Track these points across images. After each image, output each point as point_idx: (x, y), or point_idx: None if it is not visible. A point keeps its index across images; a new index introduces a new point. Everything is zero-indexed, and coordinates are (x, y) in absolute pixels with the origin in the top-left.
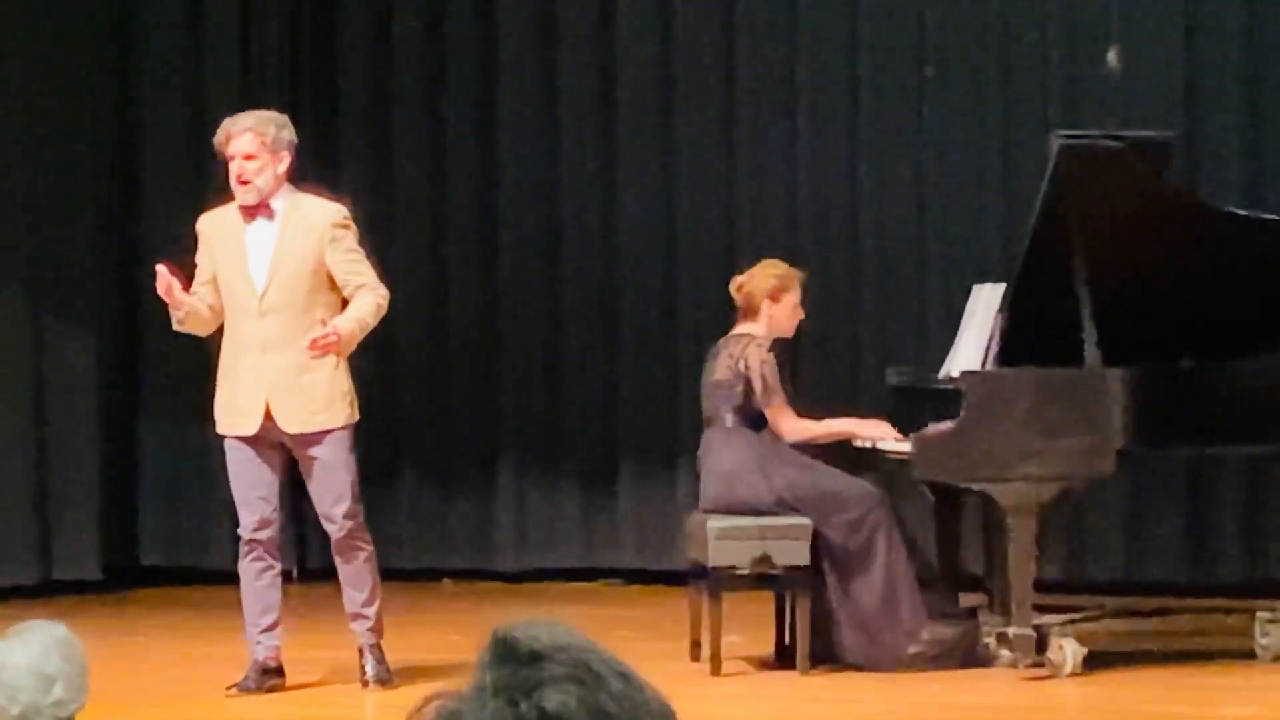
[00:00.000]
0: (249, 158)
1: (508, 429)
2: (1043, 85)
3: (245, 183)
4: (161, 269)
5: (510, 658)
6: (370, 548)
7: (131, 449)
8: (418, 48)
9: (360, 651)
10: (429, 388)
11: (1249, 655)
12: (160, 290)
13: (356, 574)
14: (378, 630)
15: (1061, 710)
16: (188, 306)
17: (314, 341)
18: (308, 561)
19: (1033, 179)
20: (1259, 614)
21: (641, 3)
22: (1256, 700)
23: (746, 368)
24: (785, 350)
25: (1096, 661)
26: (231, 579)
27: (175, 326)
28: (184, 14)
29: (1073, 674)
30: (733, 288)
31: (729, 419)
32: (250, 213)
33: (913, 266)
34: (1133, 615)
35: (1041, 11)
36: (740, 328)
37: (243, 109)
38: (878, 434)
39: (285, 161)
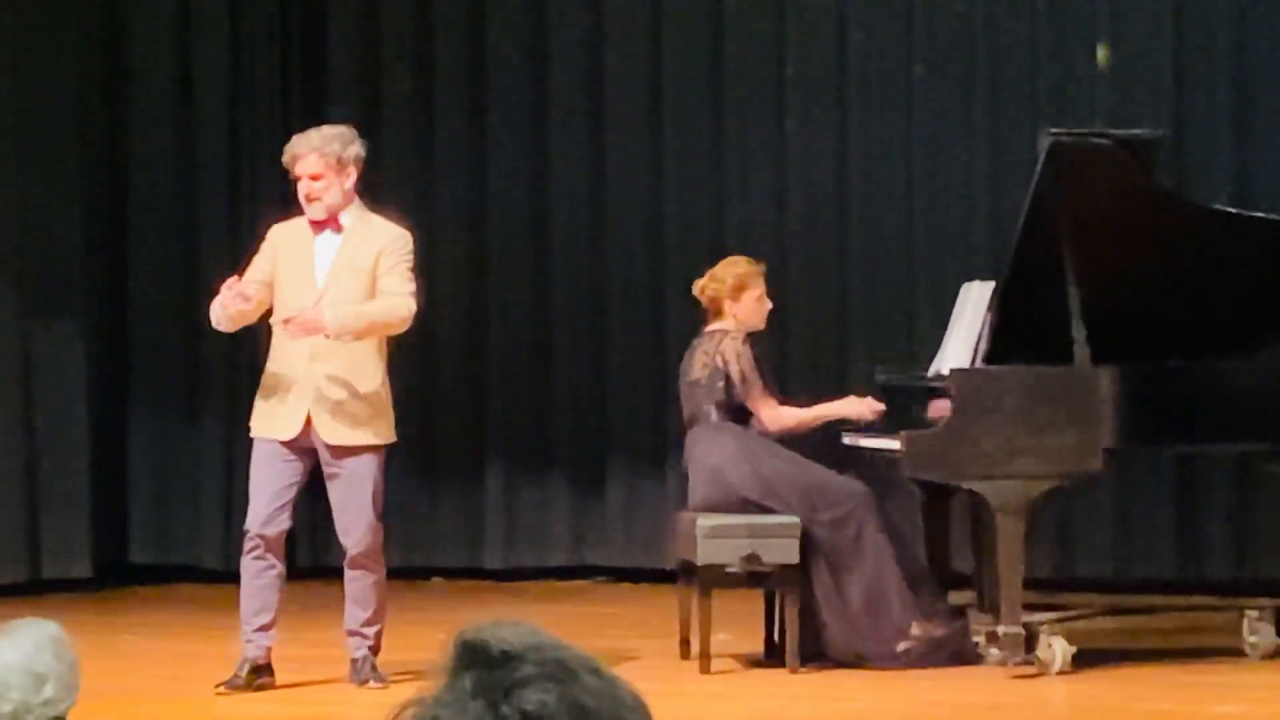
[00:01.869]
0: (315, 178)
1: (496, 426)
2: (1032, 83)
3: (313, 200)
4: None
5: (483, 660)
6: (382, 572)
7: (122, 447)
8: (407, 46)
9: (354, 662)
10: (418, 385)
11: (1238, 653)
12: (226, 287)
13: (364, 593)
14: (375, 650)
15: (1050, 708)
16: (250, 307)
17: (285, 320)
18: (296, 560)
19: (1022, 177)
20: (1248, 612)
21: (631, 2)
22: (1245, 698)
23: (724, 362)
24: (762, 342)
25: (1085, 659)
26: (222, 577)
27: (215, 324)
28: (173, 8)
29: (1062, 672)
30: (695, 291)
31: (713, 415)
32: (319, 226)
33: (902, 264)
34: (1122, 613)
35: (1030, 9)
36: (711, 326)
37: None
38: (862, 410)
39: (352, 176)
